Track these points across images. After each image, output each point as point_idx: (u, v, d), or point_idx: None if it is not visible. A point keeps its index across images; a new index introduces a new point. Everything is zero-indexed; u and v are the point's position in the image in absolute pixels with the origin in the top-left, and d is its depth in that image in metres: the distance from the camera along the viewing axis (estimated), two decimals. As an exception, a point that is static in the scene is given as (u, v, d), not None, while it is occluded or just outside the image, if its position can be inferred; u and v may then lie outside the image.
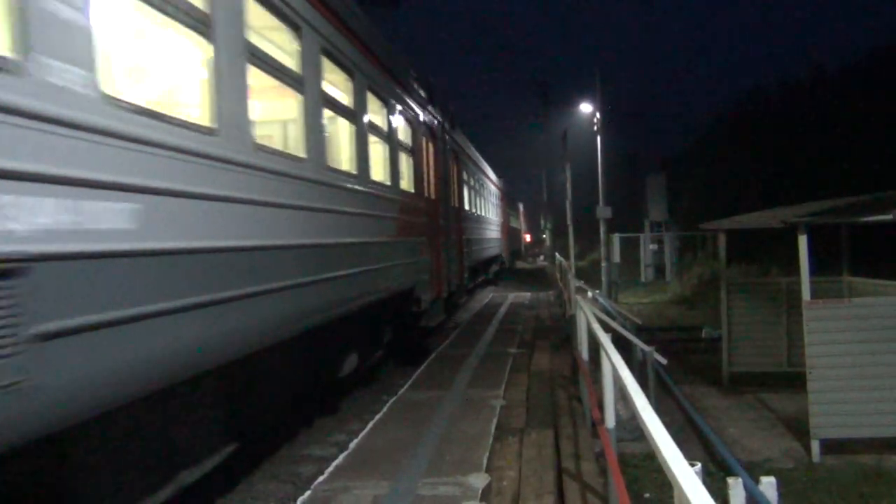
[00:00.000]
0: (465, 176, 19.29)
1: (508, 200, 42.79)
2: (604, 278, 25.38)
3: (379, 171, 9.31)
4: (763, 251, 20.80)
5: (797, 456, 7.57)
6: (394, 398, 8.64)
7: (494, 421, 7.39)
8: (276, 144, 6.64)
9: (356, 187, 8.03)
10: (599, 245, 27.16)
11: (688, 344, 14.11)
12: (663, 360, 7.79)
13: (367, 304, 8.35)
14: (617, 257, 28.44)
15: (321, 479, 5.80)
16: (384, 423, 7.50)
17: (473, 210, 21.62)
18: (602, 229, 26.10)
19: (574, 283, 14.20)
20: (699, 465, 5.06)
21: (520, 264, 54.25)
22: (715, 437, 7.86)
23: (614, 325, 8.81)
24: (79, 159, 3.41)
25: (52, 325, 3.17)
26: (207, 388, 5.23)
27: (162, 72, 5.67)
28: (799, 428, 8.09)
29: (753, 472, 6.59)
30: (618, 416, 5.57)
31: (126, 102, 3.89)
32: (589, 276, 28.14)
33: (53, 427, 3.33)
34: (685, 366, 11.89)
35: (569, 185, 33.48)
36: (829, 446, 7.52)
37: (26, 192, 3.06)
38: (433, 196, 13.23)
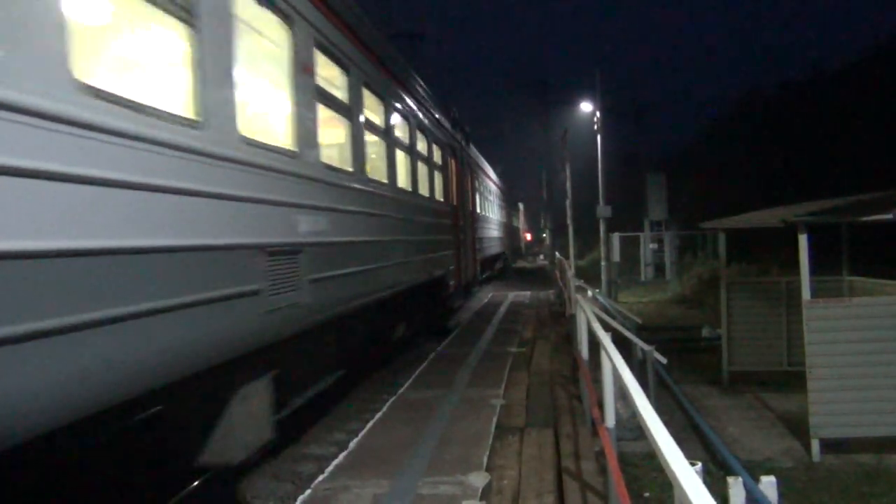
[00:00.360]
0: (476, 185, 22.76)
1: (509, 200, 43.24)
2: (603, 277, 25.39)
3: (424, 186, 12.56)
4: (763, 251, 20.78)
5: (797, 455, 7.58)
6: (394, 397, 8.65)
7: (494, 420, 7.39)
8: (373, 175, 9.37)
9: (413, 201, 11.43)
10: (599, 244, 27.16)
11: (688, 343, 14.12)
12: (663, 360, 7.80)
13: (418, 284, 11.55)
14: (617, 256, 28.43)
15: (321, 477, 5.80)
16: (384, 422, 7.50)
17: (483, 213, 24.91)
18: (602, 228, 26.10)
19: (574, 282, 14.20)
20: (700, 464, 5.06)
21: (520, 263, 54.28)
22: (715, 437, 7.87)
23: (614, 324, 8.81)
24: (311, 195, 6.59)
25: (311, 276, 6.36)
26: (332, 331, 7.85)
27: (337, 144, 8.32)
28: (799, 427, 8.09)
29: (753, 471, 6.60)
30: (618, 415, 5.57)
31: (330, 165, 7.33)
32: (589, 275, 28.15)
33: (308, 326, 6.54)
34: (685, 365, 11.89)
35: (568, 184, 33.45)
36: (829, 445, 7.52)
37: (301, 214, 6.23)
38: (455, 203, 16.32)
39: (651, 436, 2.77)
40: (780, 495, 5.65)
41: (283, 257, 5.74)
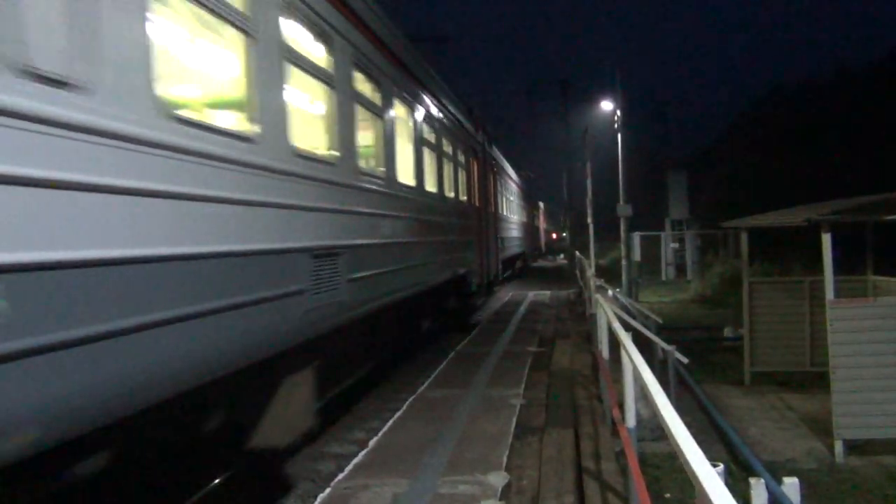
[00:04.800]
0: (499, 186, 22.92)
1: (529, 200, 43.32)
2: (624, 277, 25.24)
3: (451, 190, 13.10)
4: (786, 250, 20.60)
5: (820, 456, 7.50)
6: (413, 396, 8.65)
7: (514, 420, 7.37)
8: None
9: (448, 207, 12.55)
10: (620, 243, 27.00)
11: (709, 343, 14.02)
12: (685, 360, 7.75)
13: (456, 273, 13.16)
14: (637, 256, 28.27)
15: (341, 476, 5.81)
16: (404, 421, 7.51)
17: (505, 213, 25.32)
18: (622, 227, 25.95)
19: (594, 281, 14.14)
20: (721, 465, 5.02)
21: (540, 262, 54.15)
22: (736, 437, 7.81)
23: (635, 323, 8.77)
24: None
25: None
26: (404, 309, 9.58)
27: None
28: (822, 428, 8.01)
29: (776, 472, 6.54)
30: (638, 415, 5.54)
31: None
32: (610, 274, 28.02)
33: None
34: (706, 365, 11.81)
35: (589, 183, 33.30)
36: (853, 447, 7.44)
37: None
38: (478, 204, 16.81)
39: (672, 436, 2.74)
40: (803, 497, 5.60)
41: None
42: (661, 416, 3.05)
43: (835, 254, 7.62)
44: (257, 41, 4.94)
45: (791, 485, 5.41)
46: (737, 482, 6.24)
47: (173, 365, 3.86)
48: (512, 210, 29.24)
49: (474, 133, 17.02)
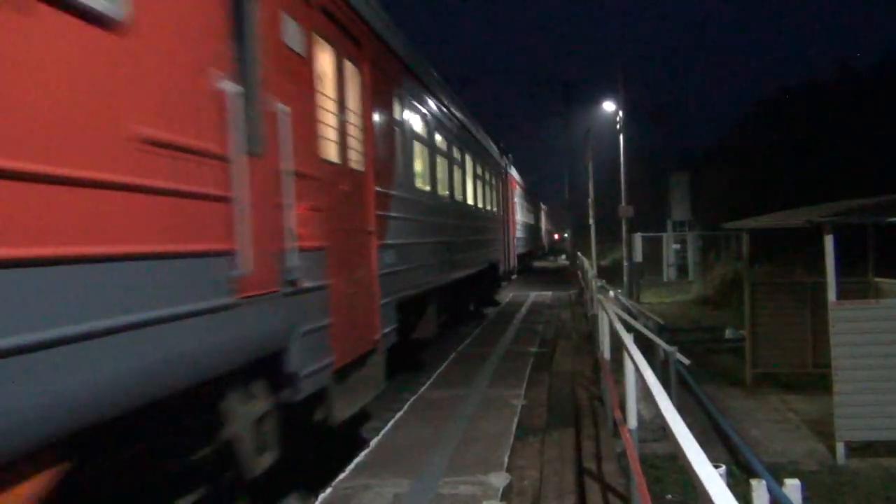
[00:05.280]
0: (514, 197, 27.96)
1: (533, 202, 43.69)
2: (626, 278, 25.24)
3: (488, 204, 18.73)
4: (787, 251, 20.57)
5: (821, 458, 7.50)
6: (415, 396, 8.66)
7: (515, 420, 7.37)
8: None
9: (487, 215, 18.25)
10: (622, 244, 26.99)
11: (711, 345, 14.02)
12: (686, 361, 7.75)
13: (490, 263, 18.15)
14: (639, 257, 28.25)
15: (342, 476, 5.82)
16: (405, 421, 7.51)
17: (517, 218, 29.61)
18: (624, 228, 25.95)
19: (595, 282, 14.14)
20: (723, 467, 5.02)
21: (541, 263, 54.13)
22: (738, 439, 7.80)
23: (636, 325, 8.77)
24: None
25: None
26: (446, 293, 12.10)
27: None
28: (823, 430, 8.01)
29: (777, 474, 6.54)
30: (640, 416, 5.54)
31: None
32: (611, 275, 28.01)
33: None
34: (708, 366, 11.80)
35: (591, 184, 33.33)
36: (854, 448, 7.44)
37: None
38: (502, 213, 22.26)
39: (674, 437, 2.74)
40: (805, 499, 5.59)
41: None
42: (664, 417, 3.05)
43: (836, 255, 7.62)
44: (435, 152, 10.63)
45: (792, 486, 5.40)
46: (738, 483, 6.24)
47: (433, 279, 9.80)
48: (522, 215, 33.62)
49: (500, 160, 22.81)
